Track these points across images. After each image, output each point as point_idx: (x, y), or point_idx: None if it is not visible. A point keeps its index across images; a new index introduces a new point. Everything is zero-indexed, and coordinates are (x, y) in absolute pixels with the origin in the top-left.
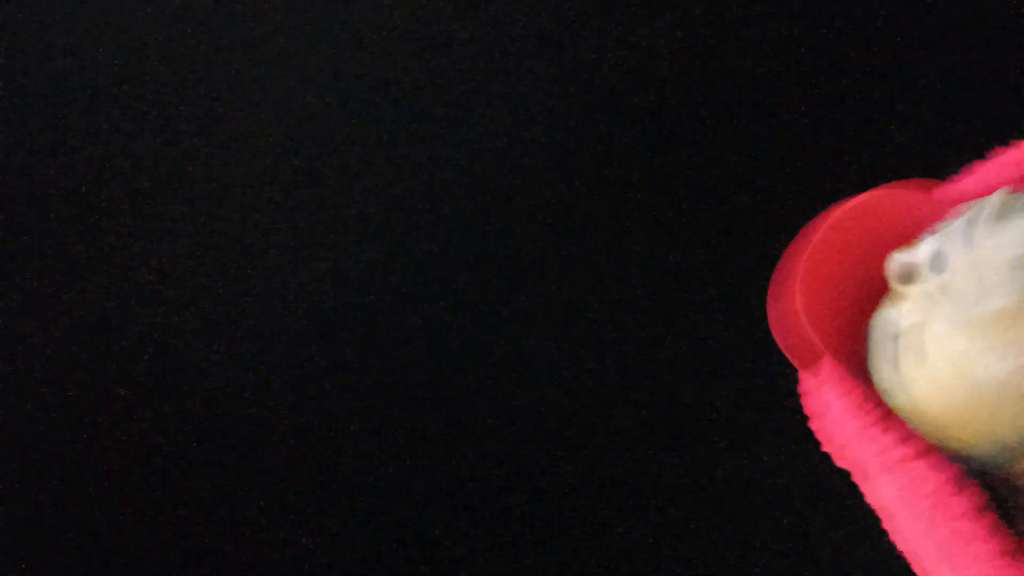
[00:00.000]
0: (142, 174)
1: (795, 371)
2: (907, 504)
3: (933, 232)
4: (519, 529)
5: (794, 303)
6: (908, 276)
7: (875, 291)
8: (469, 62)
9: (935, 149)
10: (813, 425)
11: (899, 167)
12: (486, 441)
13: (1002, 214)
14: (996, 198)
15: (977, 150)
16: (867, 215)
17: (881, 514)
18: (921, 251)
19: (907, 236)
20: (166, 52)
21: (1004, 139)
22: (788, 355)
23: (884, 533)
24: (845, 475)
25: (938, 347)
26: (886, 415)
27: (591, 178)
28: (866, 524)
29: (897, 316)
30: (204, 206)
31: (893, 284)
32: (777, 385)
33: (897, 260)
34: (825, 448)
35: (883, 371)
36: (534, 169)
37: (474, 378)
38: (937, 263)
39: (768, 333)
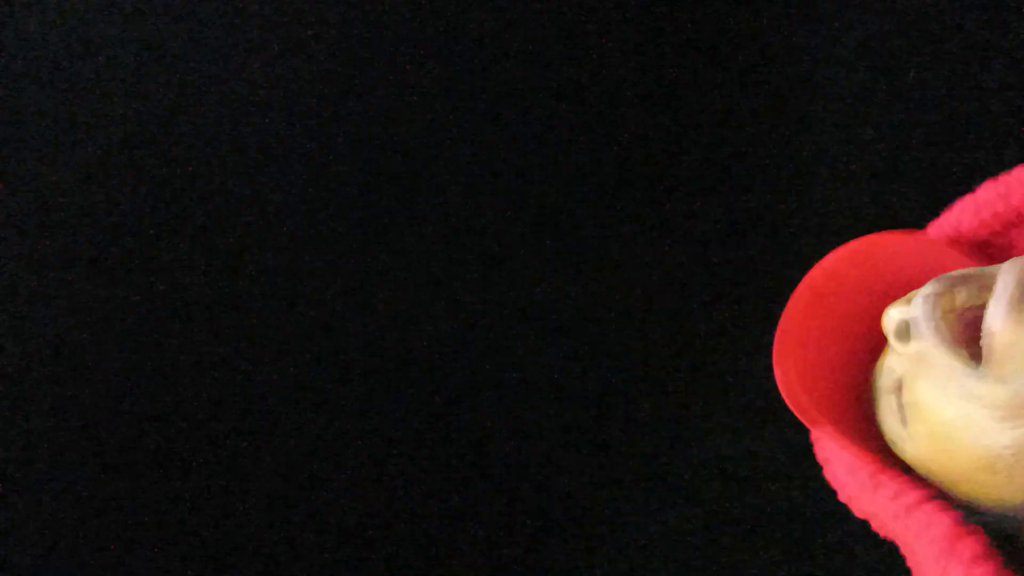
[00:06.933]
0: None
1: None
2: (916, 552)
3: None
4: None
5: (777, 371)
6: (903, 333)
7: (874, 342)
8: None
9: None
10: (825, 475)
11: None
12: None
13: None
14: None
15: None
16: (851, 266)
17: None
18: (915, 307)
19: (898, 284)
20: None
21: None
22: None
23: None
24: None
25: (942, 408)
26: (880, 470)
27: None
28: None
29: (898, 367)
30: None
31: (890, 339)
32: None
33: (892, 316)
34: (840, 499)
35: (888, 423)
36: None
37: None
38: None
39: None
